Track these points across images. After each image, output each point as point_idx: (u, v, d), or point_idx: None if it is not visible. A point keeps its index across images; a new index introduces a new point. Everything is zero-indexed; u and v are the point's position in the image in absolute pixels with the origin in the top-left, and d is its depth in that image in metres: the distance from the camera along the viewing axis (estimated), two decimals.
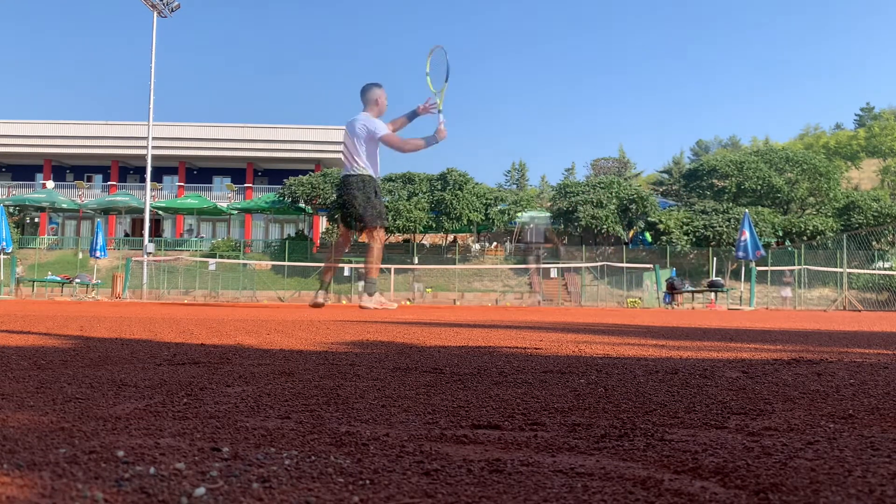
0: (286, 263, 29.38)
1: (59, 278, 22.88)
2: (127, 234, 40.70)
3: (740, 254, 15.81)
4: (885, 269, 25.24)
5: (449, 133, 6.29)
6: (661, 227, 33.40)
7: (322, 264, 8.21)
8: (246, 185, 40.91)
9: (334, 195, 6.60)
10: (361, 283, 26.00)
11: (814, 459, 0.76)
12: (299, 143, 39.20)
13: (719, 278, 18.77)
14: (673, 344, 2.62)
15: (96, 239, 21.23)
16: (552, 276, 32.14)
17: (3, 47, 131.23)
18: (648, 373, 1.62)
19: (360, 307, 6.54)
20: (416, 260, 33.84)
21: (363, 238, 6.52)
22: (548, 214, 37.19)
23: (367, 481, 0.67)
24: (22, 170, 41.87)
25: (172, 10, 27.35)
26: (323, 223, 39.47)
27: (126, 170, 42.01)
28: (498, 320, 4.69)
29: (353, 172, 6.40)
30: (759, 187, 35.99)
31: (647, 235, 35.66)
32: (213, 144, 39.12)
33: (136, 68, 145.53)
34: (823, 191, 36.35)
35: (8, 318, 4.09)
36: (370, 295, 6.51)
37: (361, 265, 28.20)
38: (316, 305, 6.61)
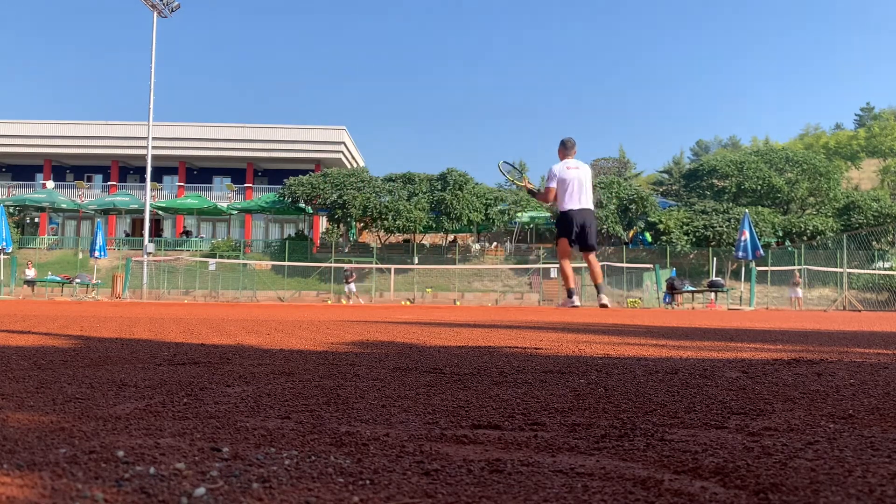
0: (286, 263, 29.37)
1: (59, 278, 22.89)
2: (127, 234, 40.67)
3: (740, 254, 15.81)
4: (885, 269, 25.21)
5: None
6: (661, 227, 33.38)
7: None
8: (246, 185, 40.89)
9: (577, 221, 7.86)
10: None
11: (814, 459, 0.76)
12: (299, 143, 39.20)
13: (719, 278, 18.75)
14: (673, 344, 2.62)
15: (96, 239, 21.23)
16: (552, 276, 32.13)
17: (2, 47, 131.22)
18: (648, 373, 1.62)
19: (604, 304, 7.86)
20: (416, 260, 33.84)
21: (588, 257, 7.88)
22: (548, 214, 37.17)
23: (367, 481, 0.67)
24: (22, 170, 41.84)
25: (172, 10, 27.33)
26: (323, 223, 39.47)
27: (126, 170, 41.98)
28: (498, 320, 4.69)
29: (591, 208, 7.82)
30: (759, 187, 35.97)
31: (647, 235, 35.63)
32: (213, 144, 39.09)
33: (136, 68, 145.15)
34: (823, 191, 36.32)
35: (8, 319, 4.09)
36: (606, 295, 7.93)
37: (365, 266, 27.79)
38: (573, 306, 7.73)
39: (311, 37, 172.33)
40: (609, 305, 8.07)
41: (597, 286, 7.97)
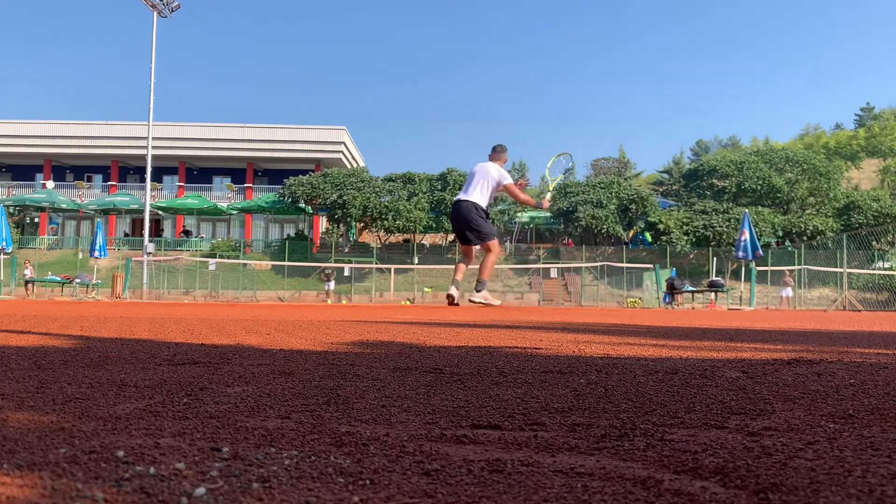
0: (286, 263, 29.36)
1: (59, 278, 22.88)
2: (127, 234, 40.66)
3: (740, 254, 15.81)
4: (885, 269, 25.21)
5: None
6: (661, 227, 33.36)
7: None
8: (246, 185, 40.89)
9: (454, 215, 7.82)
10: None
11: (814, 459, 0.76)
12: (299, 143, 39.19)
13: (719, 278, 18.74)
14: (673, 344, 2.62)
15: (96, 239, 21.22)
16: (552, 276, 32.13)
17: (3, 47, 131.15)
18: (648, 373, 1.62)
19: (470, 300, 7.62)
20: (416, 260, 33.82)
21: (484, 248, 7.65)
22: (548, 215, 37.14)
23: (367, 481, 0.67)
24: (22, 170, 41.84)
25: (172, 10, 27.32)
26: (323, 223, 39.45)
27: (126, 170, 41.97)
28: (498, 320, 4.69)
29: (468, 199, 7.46)
30: (759, 187, 35.96)
31: (647, 235, 35.64)
32: (213, 144, 39.09)
33: (136, 68, 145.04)
34: (823, 191, 36.32)
35: (8, 319, 4.09)
36: (478, 292, 7.59)
37: (365, 266, 27.77)
38: (450, 298, 7.59)
39: (311, 37, 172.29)
40: (479, 303, 7.53)
41: (477, 280, 7.64)
